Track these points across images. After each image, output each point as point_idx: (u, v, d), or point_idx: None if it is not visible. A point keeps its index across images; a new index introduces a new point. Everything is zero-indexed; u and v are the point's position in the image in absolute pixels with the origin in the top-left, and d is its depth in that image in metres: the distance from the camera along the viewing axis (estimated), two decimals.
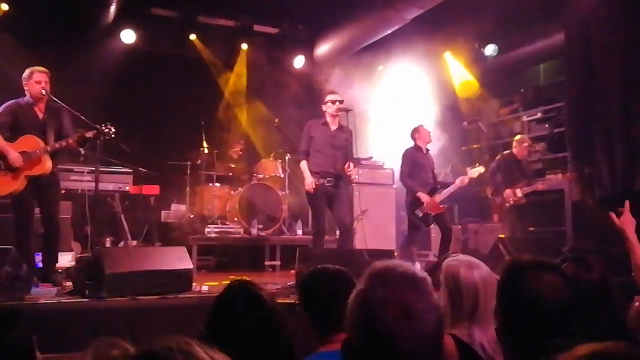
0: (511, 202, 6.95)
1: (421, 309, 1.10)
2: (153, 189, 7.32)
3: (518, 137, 7.39)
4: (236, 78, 9.20)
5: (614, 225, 2.53)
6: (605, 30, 7.11)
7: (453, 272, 2.19)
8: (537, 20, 7.85)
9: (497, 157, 7.20)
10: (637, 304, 2.24)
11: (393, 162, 7.66)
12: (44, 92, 4.76)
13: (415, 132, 6.70)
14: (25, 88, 4.81)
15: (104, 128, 4.71)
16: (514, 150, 7.20)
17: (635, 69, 6.79)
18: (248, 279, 1.85)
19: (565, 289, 1.51)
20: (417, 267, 5.01)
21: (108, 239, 6.75)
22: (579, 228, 7.11)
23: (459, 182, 6.46)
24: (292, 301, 3.95)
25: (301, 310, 2.04)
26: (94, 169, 5.29)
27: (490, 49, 8.71)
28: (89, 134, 4.71)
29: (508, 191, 6.95)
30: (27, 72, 4.83)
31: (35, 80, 4.76)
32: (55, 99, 4.82)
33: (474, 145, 9.01)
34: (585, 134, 7.36)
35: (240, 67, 9.16)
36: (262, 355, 1.55)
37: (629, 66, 6.84)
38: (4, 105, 4.80)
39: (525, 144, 7.22)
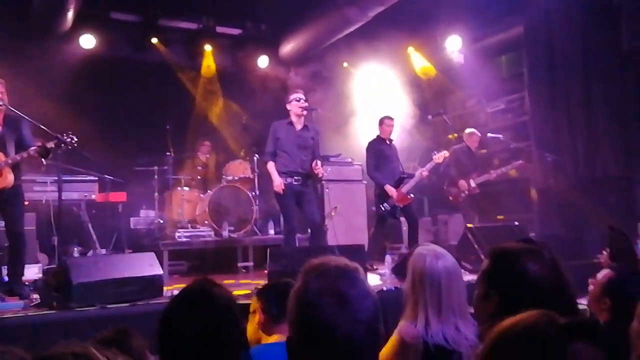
0: (466, 192, 7.22)
1: (355, 296, 1.15)
2: (120, 196, 7.21)
3: (468, 130, 7.63)
4: (201, 80, 9.14)
5: None
6: (565, 21, 7.28)
7: (418, 261, 2.21)
8: (498, 12, 7.98)
9: (449, 150, 7.35)
10: (591, 287, 2.31)
11: (362, 159, 7.71)
12: (0, 102, 4.63)
13: (380, 123, 6.78)
14: None
15: (65, 137, 4.61)
16: (466, 143, 7.42)
17: (595, 59, 6.96)
18: (210, 278, 1.75)
19: (549, 269, 1.61)
20: (389, 260, 5.06)
21: (75, 249, 6.62)
22: (545, 215, 7.29)
23: (418, 175, 6.56)
24: None
25: None
26: (57, 178, 5.18)
27: (452, 42, 8.80)
28: (50, 144, 4.59)
29: (462, 182, 7.23)
30: None
31: None
32: (13, 109, 4.69)
33: (443, 138, 9.15)
34: (548, 123, 7.53)
35: (205, 69, 9.10)
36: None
37: (589, 56, 7.01)
38: None
39: (476, 136, 7.47)
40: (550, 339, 0.88)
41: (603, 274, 2.30)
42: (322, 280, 1.17)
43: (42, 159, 4.82)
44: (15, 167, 4.70)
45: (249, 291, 4.73)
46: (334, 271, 1.19)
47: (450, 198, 7.46)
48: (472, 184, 7.21)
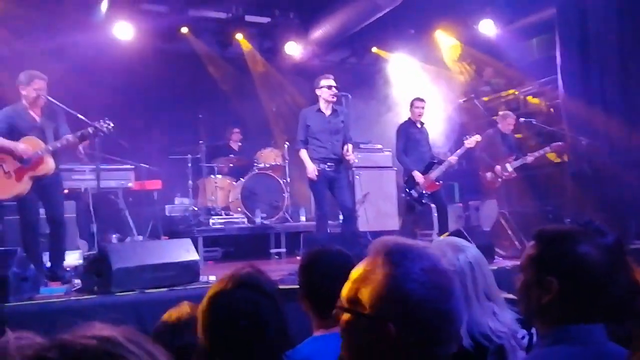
0: (503, 177, 6.98)
1: (455, 287, 1.07)
2: (155, 184, 7.36)
3: (501, 112, 7.45)
4: (231, 69, 9.20)
5: None
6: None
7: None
8: None
9: (483, 135, 7.20)
10: None
11: (392, 145, 7.69)
12: (41, 98, 4.75)
13: (410, 105, 6.70)
14: (23, 92, 4.76)
15: (102, 123, 4.74)
16: (499, 126, 7.22)
17: (631, 38, 6.77)
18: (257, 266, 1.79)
19: (602, 251, 1.52)
20: None
21: (114, 236, 6.79)
22: (579, 199, 7.15)
23: (447, 161, 6.46)
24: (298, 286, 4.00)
25: (302, 293, 2.04)
26: (94, 166, 5.32)
27: (484, 26, 8.62)
28: (88, 130, 4.74)
29: (498, 167, 6.96)
30: (25, 77, 4.76)
31: (35, 87, 4.72)
32: (51, 99, 4.81)
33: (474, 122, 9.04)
34: (582, 106, 7.37)
35: (236, 57, 9.16)
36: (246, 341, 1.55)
37: (625, 34, 6.83)
38: None
39: (510, 119, 7.24)
40: None
41: None
42: (425, 273, 1.03)
43: (80, 148, 4.96)
44: (55, 156, 4.83)
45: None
46: (428, 260, 1.06)
47: (486, 184, 7.25)
48: (509, 168, 6.92)
